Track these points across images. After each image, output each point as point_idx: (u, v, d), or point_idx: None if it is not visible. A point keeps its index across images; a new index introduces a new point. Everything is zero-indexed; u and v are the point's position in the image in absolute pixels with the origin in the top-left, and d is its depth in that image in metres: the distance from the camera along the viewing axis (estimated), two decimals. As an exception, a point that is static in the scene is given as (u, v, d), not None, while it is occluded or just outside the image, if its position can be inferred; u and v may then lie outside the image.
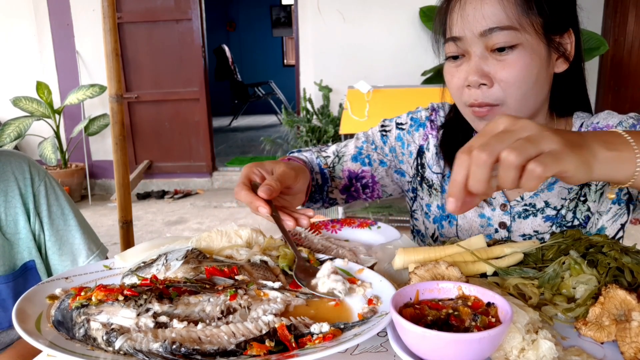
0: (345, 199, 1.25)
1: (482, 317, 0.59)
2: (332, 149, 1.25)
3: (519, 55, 0.92)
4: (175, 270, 0.79)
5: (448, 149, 1.15)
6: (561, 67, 1.00)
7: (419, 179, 1.21)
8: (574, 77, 1.03)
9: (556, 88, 1.03)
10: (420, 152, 1.21)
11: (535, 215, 1.06)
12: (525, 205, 1.07)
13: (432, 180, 1.19)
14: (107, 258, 1.25)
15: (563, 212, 1.05)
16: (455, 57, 0.99)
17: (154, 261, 0.83)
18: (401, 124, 1.23)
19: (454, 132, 1.14)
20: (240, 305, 0.68)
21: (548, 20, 0.94)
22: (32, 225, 1.22)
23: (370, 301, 0.72)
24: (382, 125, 1.26)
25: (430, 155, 1.19)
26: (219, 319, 0.65)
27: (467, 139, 1.04)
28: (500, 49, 0.92)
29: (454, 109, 1.16)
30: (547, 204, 1.06)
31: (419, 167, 1.21)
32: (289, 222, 0.85)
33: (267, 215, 0.82)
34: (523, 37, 0.92)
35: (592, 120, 1.07)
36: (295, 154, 1.23)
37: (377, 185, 1.23)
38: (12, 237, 1.19)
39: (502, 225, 1.09)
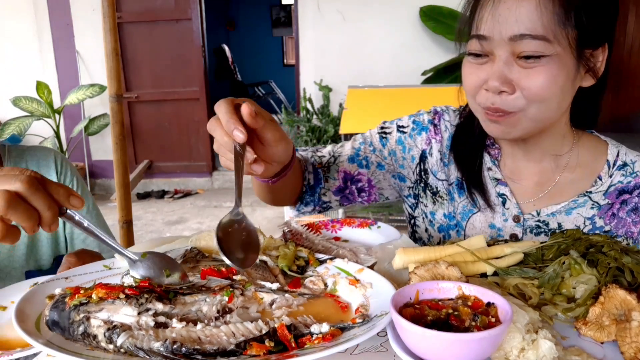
0: (339, 201, 1.17)
1: (482, 317, 0.59)
2: (327, 149, 1.18)
3: (546, 66, 0.87)
4: (175, 270, 0.79)
5: (459, 154, 1.12)
6: (588, 81, 0.95)
7: (422, 185, 1.16)
8: (597, 92, 0.99)
9: (576, 101, 0.99)
10: (423, 157, 1.16)
11: (546, 234, 1.04)
12: (539, 221, 1.05)
13: (436, 187, 1.15)
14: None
15: None
16: (477, 55, 0.94)
17: (153, 261, 0.83)
18: (402, 126, 1.17)
19: (466, 136, 1.11)
20: (235, 305, 0.68)
21: (584, 34, 0.88)
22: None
23: (357, 310, 0.71)
24: (382, 127, 1.19)
25: (434, 160, 1.15)
26: (216, 318, 0.65)
27: (479, 143, 1.02)
28: (528, 57, 0.87)
29: (463, 113, 1.13)
30: (559, 226, 1.04)
31: (422, 173, 1.16)
32: (256, 167, 0.79)
33: (241, 140, 0.72)
34: (554, 49, 0.87)
35: (629, 157, 1.04)
36: None
37: (374, 189, 1.17)
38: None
39: (514, 237, 1.06)
